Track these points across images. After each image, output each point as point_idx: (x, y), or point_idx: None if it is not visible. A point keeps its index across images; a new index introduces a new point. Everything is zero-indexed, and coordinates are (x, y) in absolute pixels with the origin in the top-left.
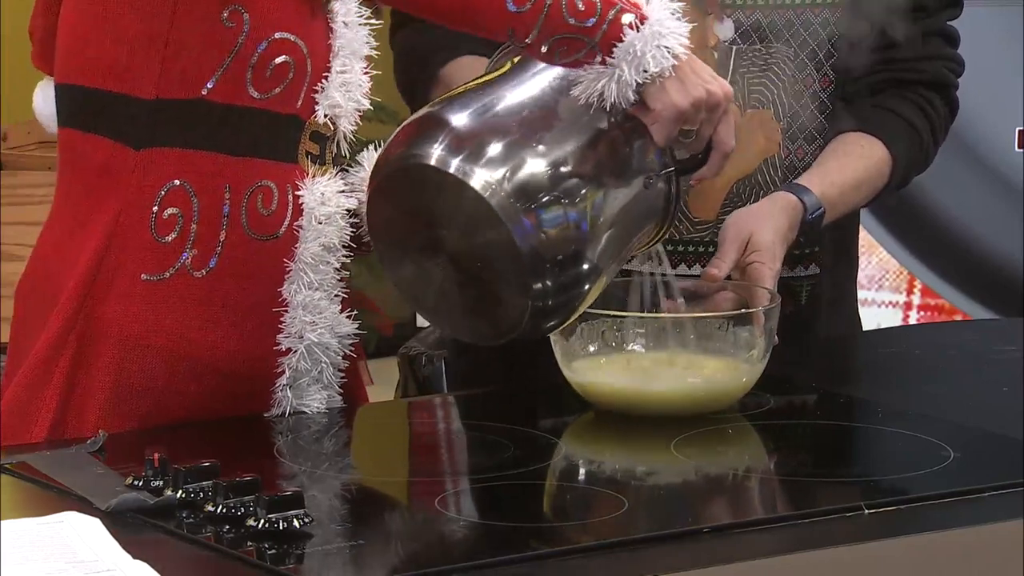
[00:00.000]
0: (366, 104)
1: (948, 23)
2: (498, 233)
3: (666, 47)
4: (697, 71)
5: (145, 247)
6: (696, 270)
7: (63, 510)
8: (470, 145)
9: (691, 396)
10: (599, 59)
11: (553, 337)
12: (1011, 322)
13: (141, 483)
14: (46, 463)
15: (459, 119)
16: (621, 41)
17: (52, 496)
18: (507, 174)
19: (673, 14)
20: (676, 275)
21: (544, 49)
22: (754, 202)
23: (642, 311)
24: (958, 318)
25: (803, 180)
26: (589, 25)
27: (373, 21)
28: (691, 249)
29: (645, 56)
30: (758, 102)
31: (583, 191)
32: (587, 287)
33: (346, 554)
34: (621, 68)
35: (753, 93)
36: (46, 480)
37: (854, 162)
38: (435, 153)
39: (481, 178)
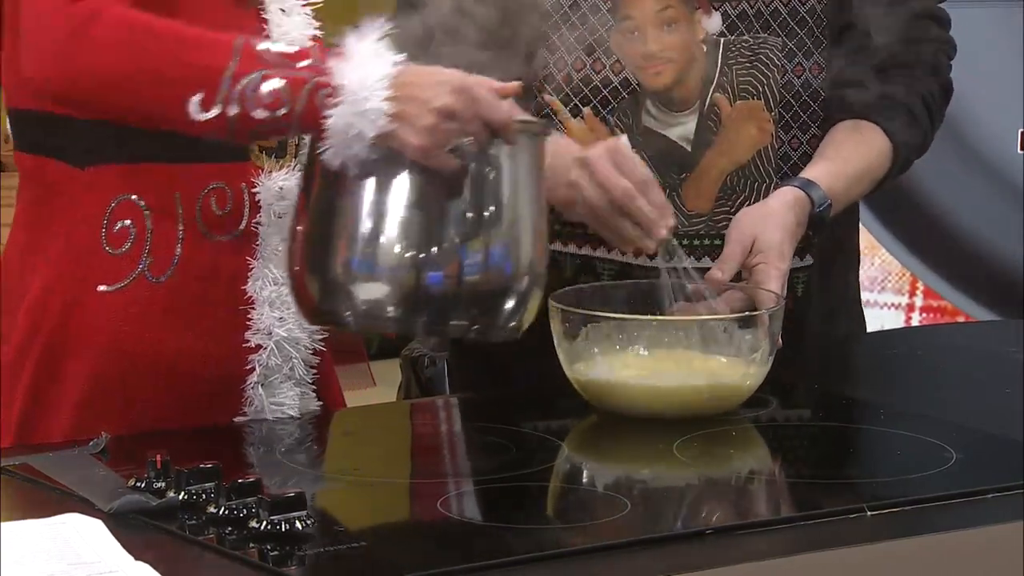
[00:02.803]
0: None
1: (938, 5)
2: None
3: (371, 109)
4: (421, 93)
5: (100, 260)
6: (692, 263)
7: (65, 511)
8: (359, 277)
9: (694, 398)
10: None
11: (557, 339)
12: (1013, 324)
13: (143, 485)
14: (48, 464)
15: (340, 258)
16: (325, 120)
17: (54, 497)
18: (391, 276)
19: (372, 54)
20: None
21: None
22: (748, 193)
23: (646, 312)
24: (960, 320)
25: (808, 173)
26: (280, 115)
27: (314, 1)
28: (686, 243)
29: (359, 128)
30: (748, 93)
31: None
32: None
33: (348, 556)
34: (350, 146)
35: (743, 84)
36: (48, 481)
37: (857, 151)
38: (340, 310)
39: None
